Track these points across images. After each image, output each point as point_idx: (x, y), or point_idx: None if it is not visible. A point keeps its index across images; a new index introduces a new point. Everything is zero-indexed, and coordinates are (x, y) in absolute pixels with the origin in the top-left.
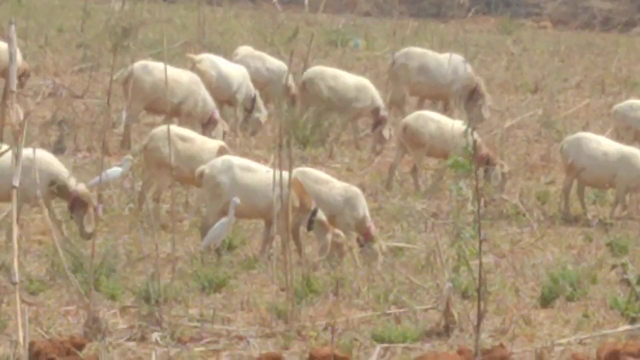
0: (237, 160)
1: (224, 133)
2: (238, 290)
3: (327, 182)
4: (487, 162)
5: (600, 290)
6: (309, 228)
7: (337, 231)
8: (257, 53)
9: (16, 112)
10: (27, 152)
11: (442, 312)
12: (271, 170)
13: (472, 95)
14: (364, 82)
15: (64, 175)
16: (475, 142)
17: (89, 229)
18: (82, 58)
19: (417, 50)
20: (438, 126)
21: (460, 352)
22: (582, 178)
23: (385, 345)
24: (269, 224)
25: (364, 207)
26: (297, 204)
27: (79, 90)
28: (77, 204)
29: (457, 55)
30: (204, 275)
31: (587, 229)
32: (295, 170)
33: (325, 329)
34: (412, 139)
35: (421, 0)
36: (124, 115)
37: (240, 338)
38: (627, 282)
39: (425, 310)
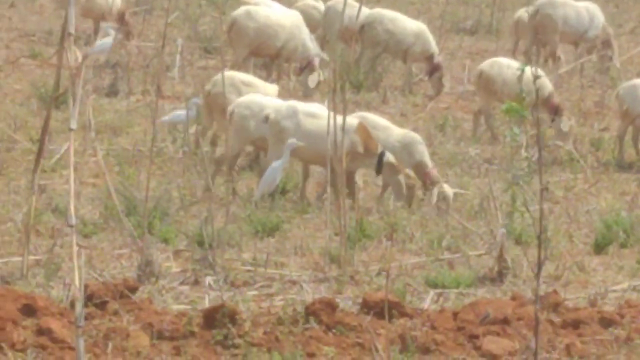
0: (301, 106)
1: (319, 82)
2: (291, 235)
3: (386, 128)
4: (556, 112)
5: None
6: (378, 172)
7: (409, 172)
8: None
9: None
10: None
11: (495, 258)
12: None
13: (604, 46)
14: (422, 27)
15: None
16: (548, 91)
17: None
18: (136, 1)
19: None
20: (513, 73)
21: (513, 298)
22: (637, 124)
23: (439, 290)
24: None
25: (420, 153)
26: (361, 149)
27: (133, 34)
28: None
29: (593, 4)
30: (257, 219)
31: None
32: (353, 115)
33: (379, 274)
34: (487, 85)
35: None
36: (178, 59)
37: (294, 282)
38: None
39: (479, 255)
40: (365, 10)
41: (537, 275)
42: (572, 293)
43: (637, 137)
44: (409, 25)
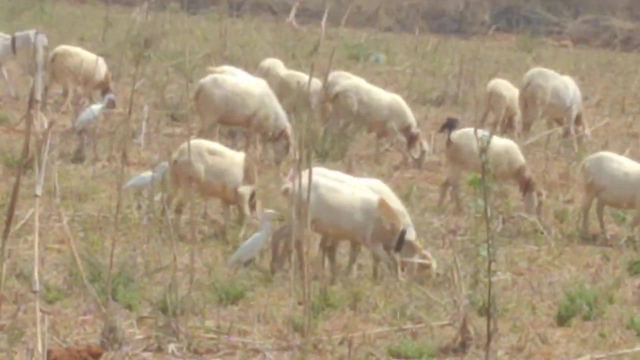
0: (322, 180)
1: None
2: (255, 303)
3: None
4: (527, 187)
5: (617, 310)
6: (397, 249)
7: (426, 253)
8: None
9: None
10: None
11: (458, 329)
12: (357, 192)
13: (576, 120)
14: (397, 99)
15: None
16: (520, 164)
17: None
18: None
19: (549, 71)
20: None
21: None
22: (602, 197)
23: None
24: (354, 244)
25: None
26: (387, 227)
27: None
28: None
29: (571, 78)
30: (222, 287)
31: (605, 248)
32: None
33: (342, 343)
34: (455, 156)
35: (442, 17)
36: (144, 125)
37: (257, 351)
38: None
39: (442, 326)
40: (342, 81)
41: (487, 346)
42: None
43: (602, 210)
44: (384, 97)
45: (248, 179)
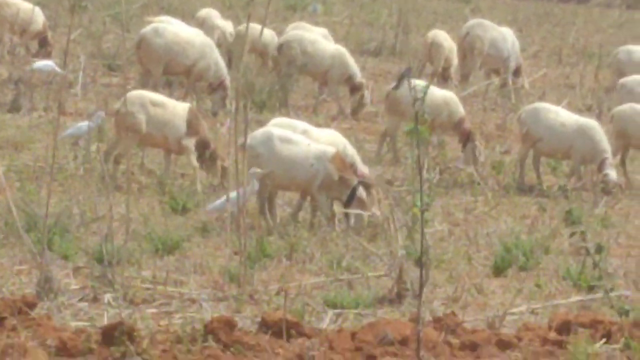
0: (277, 132)
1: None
2: (191, 253)
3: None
4: (468, 138)
5: (553, 260)
6: (347, 204)
7: (375, 211)
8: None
9: None
10: None
11: (394, 279)
12: (312, 144)
13: (516, 72)
14: (341, 50)
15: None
16: (459, 115)
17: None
18: None
19: (487, 22)
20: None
21: (411, 319)
22: (538, 148)
23: (337, 311)
24: (304, 195)
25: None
26: (335, 178)
27: (37, 50)
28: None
29: (509, 29)
30: (158, 237)
31: (542, 199)
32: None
33: (278, 293)
34: (393, 106)
35: None
36: (81, 76)
37: (193, 301)
38: (587, 251)
39: (378, 277)
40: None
41: (419, 296)
42: (470, 315)
43: (538, 161)
44: (328, 48)
45: (192, 130)
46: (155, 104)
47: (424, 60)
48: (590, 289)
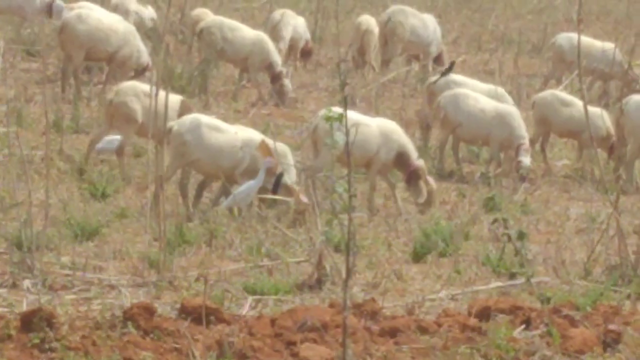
0: (205, 119)
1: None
2: (111, 239)
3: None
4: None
5: (472, 246)
6: (274, 191)
7: (303, 198)
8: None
9: None
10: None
11: (314, 265)
12: (240, 131)
13: (437, 59)
14: (262, 36)
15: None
16: None
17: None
18: None
19: (409, 8)
20: None
21: (331, 305)
22: (457, 134)
23: (257, 297)
24: (230, 183)
25: None
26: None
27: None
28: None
29: (431, 16)
30: (77, 223)
31: (461, 185)
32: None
33: (197, 279)
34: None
35: None
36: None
37: (112, 287)
38: (508, 237)
39: (298, 263)
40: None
41: (345, 282)
42: (390, 301)
43: (457, 147)
44: (248, 34)
45: None
46: (148, 94)
47: (354, 46)
48: (510, 275)
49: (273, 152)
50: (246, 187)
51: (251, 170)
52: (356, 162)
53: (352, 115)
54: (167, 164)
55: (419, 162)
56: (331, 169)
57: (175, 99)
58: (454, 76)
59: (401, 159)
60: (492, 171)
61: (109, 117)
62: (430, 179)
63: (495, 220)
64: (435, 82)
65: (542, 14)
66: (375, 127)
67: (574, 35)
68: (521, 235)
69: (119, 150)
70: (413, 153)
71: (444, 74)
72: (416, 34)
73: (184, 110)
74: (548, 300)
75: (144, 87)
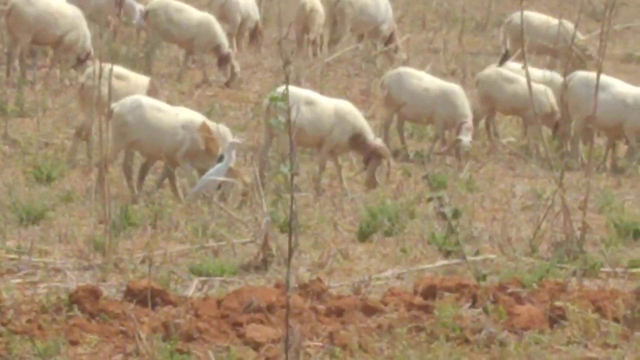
0: (146, 100)
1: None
2: (56, 223)
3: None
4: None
5: (418, 225)
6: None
7: (246, 178)
8: None
9: None
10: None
11: (260, 246)
12: (180, 112)
13: (389, 39)
14: (209, 18)
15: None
16: None
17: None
18: None
19: None
20: None
21: (277, 285)
22: (402, 113)
23: (203, 278)
24: (171, 165)
25: None
26: (202, 147)
27: None
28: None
29: None
30: (22, 207)
31: (406, 164)
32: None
33: (143, 261)
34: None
35: None
36: None
37: (58, 270)
38: (443, 216)
39: (244, 243)
40: None
41: (288, 261)
42: (336, 281)
43: (402, 125)
44: (195, 16)
45: None
46: (118, 77)
47: (299, 26)
48: (453, 252)
49: (214, 133)
50: (214, 170)
51: (192, 153)
52: (309, 141)
53: (308, 94)
54: (110, 146)
55: (377, 141)
56: (276, 148)
57: (143, 79)
58: (513, 64)
59: (357, 140)
60: (435, 149)
61: (82, 100)
62: (390, 159)
63: (430, 199)
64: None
65: None
66: (330, 107)
67: (531, 14)
68: (456, 213)
69: (78, 131)
70: (369, 134)
71: (501, 62)
72: (367, 13)
73: (152, 90)
74: (485, 277)
75: (115, 69)
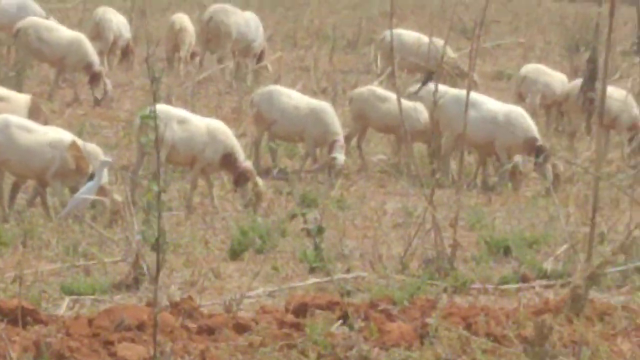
0: (14, 120)
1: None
2: None
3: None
4: None
5: (289, 243)
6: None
7: (116, 197)
8: None
9: None
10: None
11: (131, 265)
12: (49, 131)
13: (261, 55)
14: (80, 37)
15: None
16: None
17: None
18: None
19: (230, 7)
20: None
21: (148, 304)
22: (272, 131)
23: (74, 297)
24: (42, 184)
25: None
26: (72, 166)
27: None
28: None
29: (254, 14)
30: None
31: (277, 182)
32: None
33: (14, 281)
34: None
35: None
36: None
37: None
38: (308, 232)
39: (115, 262)
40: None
41: (155, 280)
42: (207, 299)
43: (273, 143)
44: (65, 34)
45: (34, 119)
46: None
47: (169, 44)
48: (328, 271)
49: (83, 152)
50: (86, 189)
51: (62, 172)
52: (181, 160)
53: (180, 112)
54: None
55: (246, 164)
56: (147, 167)
57: (24, 98)
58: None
59: (228, 160)
60: (306, 167)
61: None
62: (260, 180)
63: (294, 216)
64: (416, 92)
65: (357, 9)
66: (202, 125)
67: (402, 31)
68: (320, 230)
69: None
70: (240, 154)
71: (423, 83)
72: (239, 32)
73: (34, 109)
74: (349, 294)
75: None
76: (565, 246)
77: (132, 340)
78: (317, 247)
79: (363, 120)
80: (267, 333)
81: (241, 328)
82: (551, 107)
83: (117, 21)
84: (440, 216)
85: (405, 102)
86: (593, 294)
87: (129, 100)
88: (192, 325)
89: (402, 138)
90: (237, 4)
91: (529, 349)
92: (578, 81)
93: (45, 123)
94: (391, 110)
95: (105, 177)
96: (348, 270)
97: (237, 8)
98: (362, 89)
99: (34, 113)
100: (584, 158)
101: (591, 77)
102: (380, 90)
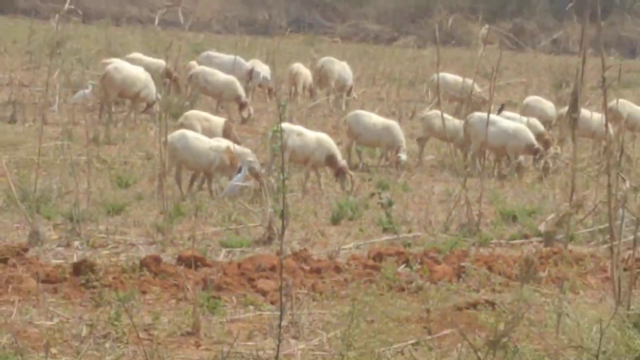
0: (190, 133)
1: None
2: (132, 214)
3: None
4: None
5: (370, 213)
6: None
7: (251, 183)
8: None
9: None
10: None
11: (266, 228)
12: (212, 141)
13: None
14: (231, 79)
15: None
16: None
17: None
18: (29, 60)
19: (334, 59)
20: None
21: (277, 253)
22: (359, 140)
23: (229, 249)
24: (208, 176)
25: None
26: (227, 163)
27: (27, 82)
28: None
29: (346, 63)
30: (109, 203)
31: (362, 173)
32: None
33: (189, 239)
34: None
35: (254, 23)
36: (57, 98)
37: (133, 245)
38: (382, 206)
39: (255, 226)
40: None
41: (281, 237)
42: (316, 250)
43: (354, 147)
44: (221, 77)
45: (225, 137)
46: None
47: (289, 84)
48: (396, 231)
49: (234, 154)
50: (237, 178)
51: (221, 167)
52: (299, 160)
53: (298, 128)
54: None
55: (343, 162)
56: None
57: (220, 120)
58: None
59: (330, 160)
60: (381, 163)
61: None
62: (351, 172)
63: (372, 194)
64: (498, 113)
65: (415, 61)
66: (313, 137)
67: (445, 74)
68: (390, 203)
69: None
70: (339, 156)
71: (499, 111)
72: (339, 75)
73: (226, 129)
74: (409, 245)
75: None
76: (552, 215)
77: (267, 277)
78: (388, 215)
79: (429, 132)
80: (355, 272)
81: (338, 269)
82: (545, 125)
83: (263, 69)
84: (470, 195)
85: (453, 120)
86: (572, 247)
87: (264, 121)
88: (306, 267)
89: (459, 145)
90: (335, 55)
91: (519, 275)
92: (566, 108)
93: (236, 142)
94: (449, 127)
95: (246, 171)
96: (409, 231)
97: (336, 59)
98: (430, 113)
99: (226, 132)
100: (564, 157)
101: (573, 104)
102: (445, 115)
